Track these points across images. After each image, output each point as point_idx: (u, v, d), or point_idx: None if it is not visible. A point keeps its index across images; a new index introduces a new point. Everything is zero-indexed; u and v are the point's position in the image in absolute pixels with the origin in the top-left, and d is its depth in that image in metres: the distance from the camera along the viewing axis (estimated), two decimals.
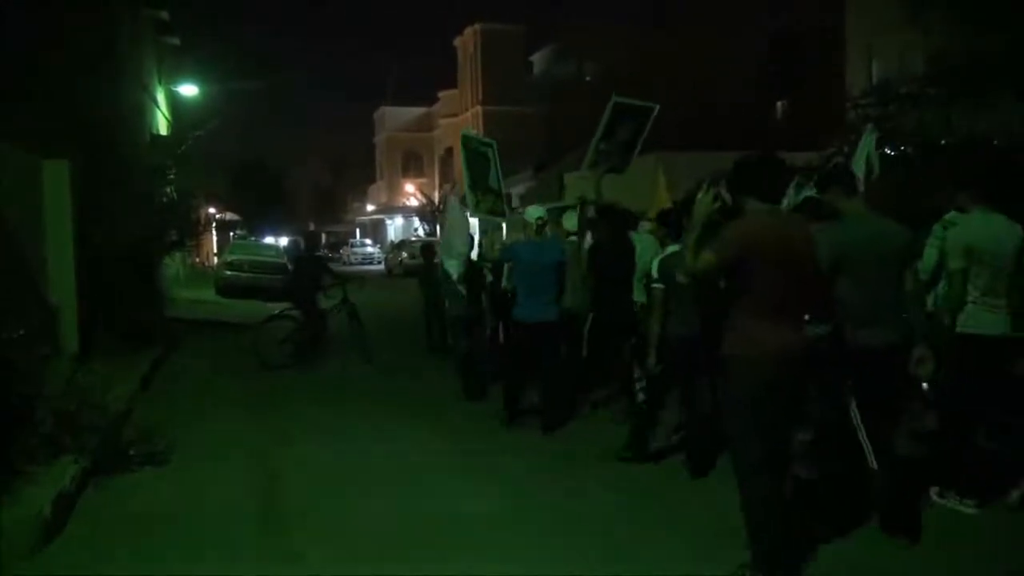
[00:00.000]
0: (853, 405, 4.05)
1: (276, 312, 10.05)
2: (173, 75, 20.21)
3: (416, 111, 50.79)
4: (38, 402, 5.09)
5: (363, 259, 41.46)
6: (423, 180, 47.99)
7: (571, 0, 65.98)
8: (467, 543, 4.16)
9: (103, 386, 6.18)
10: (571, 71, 38.52)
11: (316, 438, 6.30)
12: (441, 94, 46.83)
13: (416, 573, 3.85)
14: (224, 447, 5.95)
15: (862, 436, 4.01)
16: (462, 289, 7.55)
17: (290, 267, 10.21)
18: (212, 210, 25.70)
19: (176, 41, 19.62)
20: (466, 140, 8.02)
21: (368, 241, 51.08)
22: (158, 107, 18.34)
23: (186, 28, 19.56)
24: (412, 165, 51.42)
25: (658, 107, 7.45)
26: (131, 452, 5.35)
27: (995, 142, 8.61)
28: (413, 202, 45.40)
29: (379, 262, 39.37)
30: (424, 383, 8.60)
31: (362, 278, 11.31)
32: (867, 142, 5.96)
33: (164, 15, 17.56)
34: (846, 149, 11.36)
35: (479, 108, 40.57)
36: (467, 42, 41.54)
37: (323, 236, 49.30)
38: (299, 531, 4.35)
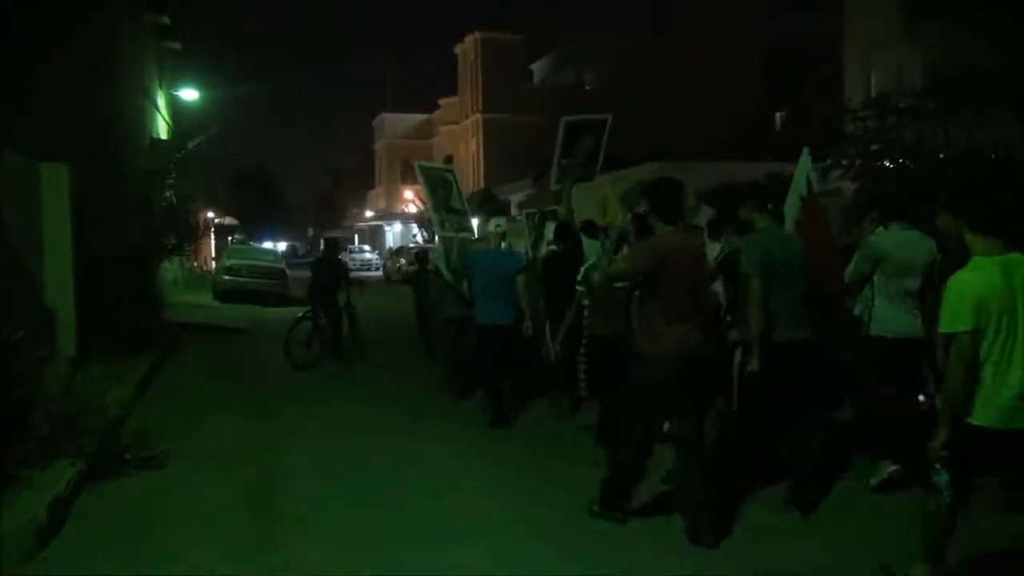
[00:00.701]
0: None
1: (299, 315, 10.31)
2: (174, 80, 20.26)
3: (416, 118, 50.86)
4: (35, 405, 5.10)
5: (361, 265, 41.40)
6: (420, 187, 47.98)
7: (572, 10, 66.32)
8: (462, 544, 4.16)
9: (100, 390, 6.19)
10: (571, 80, 38.64)
11: (312, 441, 6.30)
12: (441, 101, 46.92)
13: (411, 574, 3.86)
14: (221, 451, 5.95)
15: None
16: (464, 291, 7.66)
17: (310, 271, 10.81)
18: (211, 214, 25.70)
19: (177, 46, 19.67)
20: (423, 169, 8.66)
21: (367, 247, 51.06)
22: (159, 111, 18.37)
23: (187, 33, 19.62)
24: (411, 172, 51.16)
25: (611, 117, 7.91)
26: (128, 456, 5.34)
27: (993, 156, 8.65)
28: (412, 209, 45.43)
29: (377, 268, 39.35)
30: (420, 386, 8.60)
31: (362, 283, 11.45)
32: (804, 162, 6.44)
33: (165, 20, 17.61)
34: (844, 162, 11.41)
35: (479, 116, 40.65)
36: (467, 50, 41.66)
37: (339, 240, 49.26)
38: (295, 534, 4.35)
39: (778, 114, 34.89)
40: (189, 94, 20.25)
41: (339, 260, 11.41)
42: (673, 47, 35.64)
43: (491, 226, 7.22)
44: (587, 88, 38.40)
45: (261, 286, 19.52)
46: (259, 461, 5.76)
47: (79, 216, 8.28)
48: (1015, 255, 3.32)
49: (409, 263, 26.59)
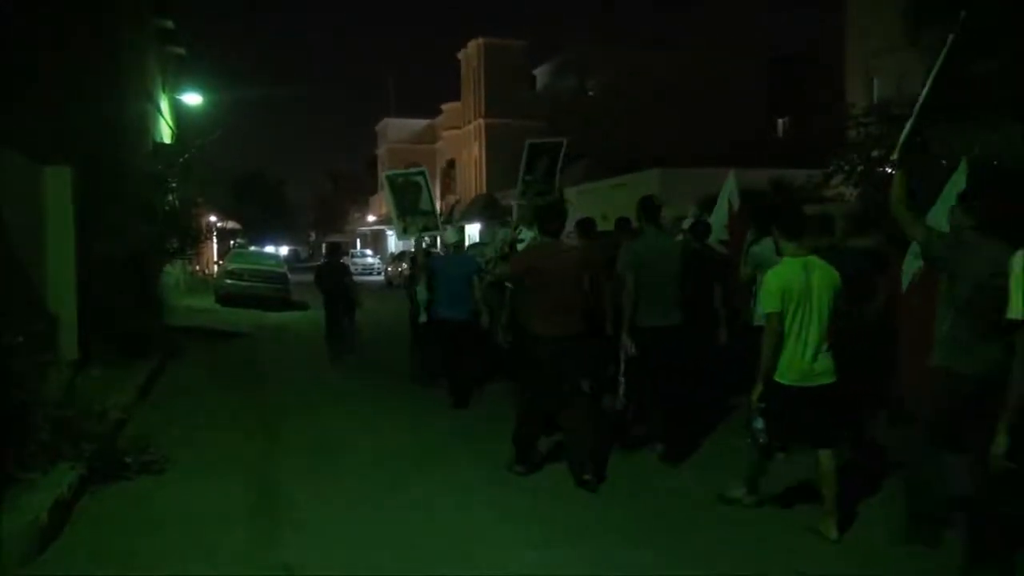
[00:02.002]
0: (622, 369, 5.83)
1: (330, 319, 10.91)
2: (177, 84, 20.31)
3: (419, 123, 50.94)
4: (36, 409, 5.09)
5: (363, 269, 41.35)
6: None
7: (574, 18, 66.46)
8: (461, 550, 4.16)
9: (101, 394, 6.19)
10: (573, 86, 38.71)
11: (312, 446, 6.30)
12: (444, 106, 46.99)
13: None
14: (221, 456, 5.94)
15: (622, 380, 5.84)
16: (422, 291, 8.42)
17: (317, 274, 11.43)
18: (213, 218, 25.74)
19: (181, 50, 19.72)
20: (390, 179, 9.39)
21: (368, 252, 51.06)
22: (162, 115, 18.41)
23: (191, 37, 19.67)
24: None
25: (566, 141, 8.92)
26: (128, 460, 5.34)
27: (995, 162, 8.64)
28: None
29: (379, 273, 39.34)
30: (418, 390, 8.58)
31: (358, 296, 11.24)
32: (728, 184, 7.54)
33: (169, 24, 17.66)
34: (846, 168, 11.40)
35: (481, 121, 40.71)
36: (470, 55, 41.73)
37: (342, 245, 49.33)
38: (295, 539, 4.34)
39: (780, 120, 34.90)
40: (192, 98, 20.29)
41: (342, 264, 11.82)
42: (675, 54, 35.72)
43: (450, 236, 8.85)
44: (590, 94, 38.47)
45: (263, 290, 19.53)
46: (259, 466, 5.76)
47: (82, 219, 8.28)
48: (813, 257, 4.46)
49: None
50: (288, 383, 9.45)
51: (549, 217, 5.59)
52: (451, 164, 46.84)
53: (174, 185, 12.26)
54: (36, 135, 8.15)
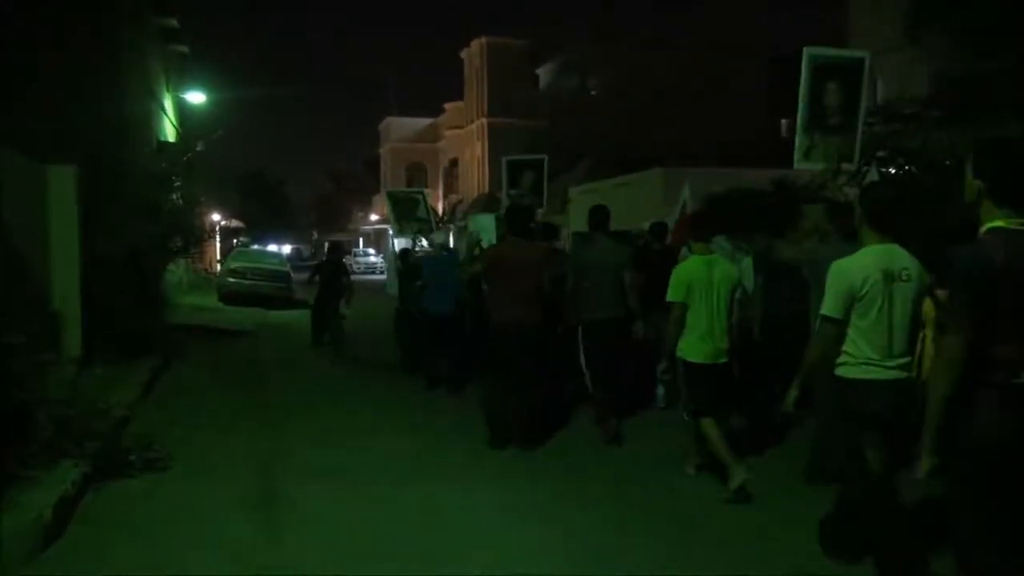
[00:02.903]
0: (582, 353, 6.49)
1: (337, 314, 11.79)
2: (180, 83, 20.33)
3: (421, 122, 50.97)
4: (39, 407, 5.11)
5: (366, 268, 41.37)
6: (427, 191, 48.10)
7: (575, 17, 66.39)
8: (463, 548, 4.17)
9: (104, 392, 6.21)
10: (576, 85, 38.69)
11: (315, 444, 6.32)
12: (447, 106, 47.00)
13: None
14: (224, 454, 5.97)
15: (584, 367, 6.50)
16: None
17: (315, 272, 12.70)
18: (216, 217, 25.77)
19: (184, 49, 19.74)
20: (391, 195, 11.72)
21: (371, 250, 51.09)
22: (165, 114, 18.43)
23: (194, 36, 19.71)
24: (416, 176, 51.58)
25: (547, 157, 9.83)
26: (132, 458, 5.36)
27: None
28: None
29: (382, 271, 39.35)
30: (420, 390, 8.61)
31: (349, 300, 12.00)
32: (684, 191, 8.43)
33: (172, 23, 17.69)
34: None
35: (484, 120, 40.72)
36: (473, 55, 41.75)
37: (342, 244, 49.34)
38: (298, 537, 4.36)
39: (783, 120, 34.87)
40: (196, 97, 20.32)
41: (342, 262, 12.69)
42: (676, 54, 35.68)
43: (436, 238, 10.04)
44: (592, 93, 38.45)
45: (266, 289, 19.56)
46: (262, 464, 5.77)
47: (85, 218, 8.30)
48: (715, 256, 5.33)
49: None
50: (291, 381, 9.47)
51: (516, 220, 6.50)
52: (454, 163, 46.87)
53: (178, 184, 12.27)
54: (39, 135, 8.18)
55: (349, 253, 49.29)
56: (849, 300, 3.58)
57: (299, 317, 15.79)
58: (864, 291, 3.56)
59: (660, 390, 5.51)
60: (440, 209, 41.43)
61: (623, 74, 35.39)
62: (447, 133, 46.68)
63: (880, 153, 10.85)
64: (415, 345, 9.34)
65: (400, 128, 51.27)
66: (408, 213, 11.10)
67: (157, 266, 11.84)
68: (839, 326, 3.62)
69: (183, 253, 13.50)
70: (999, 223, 2.75)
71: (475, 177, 41.98)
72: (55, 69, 9.28)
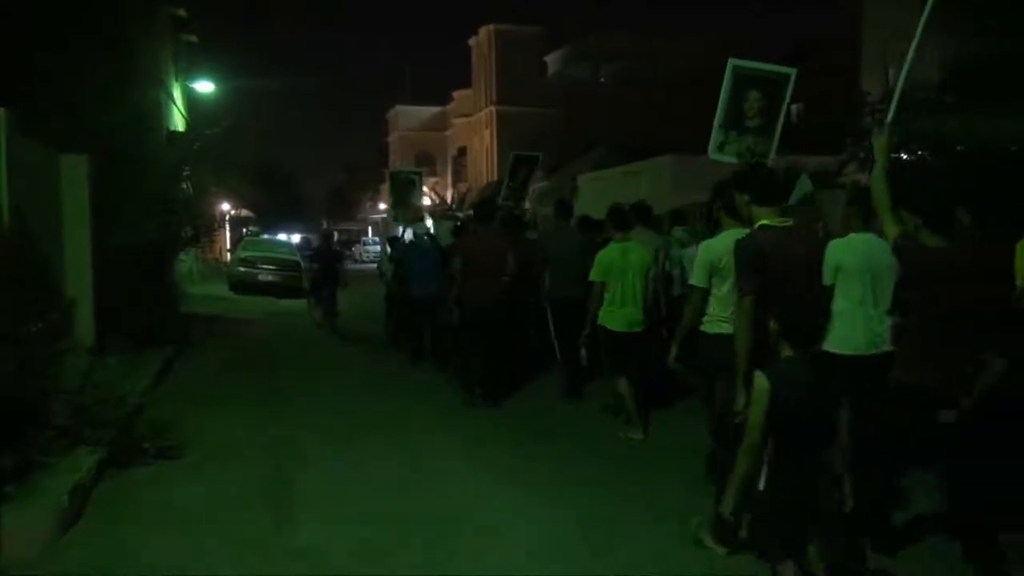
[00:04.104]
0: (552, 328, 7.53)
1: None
2: (190, 72, 20.35)
3: (430, 110, 50.86)
4: (55, 395, 5.16)
5: (375, 257, 41.38)
6: (436, 179, 48.07)
7: (586, 5, 65.88)
8: (478, 531, 4.21)
9: (118, 381, 6.24)
10: (586, 73, 38.50)
11: (327, 431, 6.35)
12: (455, 94, 46.87)
13: (430, 567, 3.90)
14: (237, 441, 6.01)
15: (553, 336, 7.54)
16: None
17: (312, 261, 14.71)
18: (227, 206, 25.81)
19: (193, 38, 19.75)
20: (395, 173, 12.34)
21: (378, 239, 51.09)
22: (175, 104, 18.46)
23: (203, 26, 19.72)
24: (425, 164, 51.49)
25: (541, 155, 10.84)
26: (146, 446, 5.40)
27: (1013, 148, 8.56)
28: (426, 201, 45.43)
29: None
30: (426, 376, 8.69)
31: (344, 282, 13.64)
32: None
33: (182, 12, 17.69)
34: (861, 154, 11.31)
35: (493, 108, 40.60)
36: (482, 42, 41.57)
37: (335, 234, 49.44)
38: (310, 524, 4.39)
39: (794, 106, 34.61)
40: (205, 87, 20.33)
41: (335, 249, 14.39)
42: (688, 42, 35.43)
43: (419, 228, 11.00)
44: (602, 81, 38.26)
45: (276, 278, 19.61)
46: (274, 451, 5.82)
47: (98, 208, 8.33)
48: (631, 243, 6.32)
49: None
50: (302, 370, 9.52)
51: (483, 213, 8.12)
52: (462, 152, 46.79)
53: (188, 173, 12.29)
54: (51, 124, 8.20)
55: (357, 242, 49.36)
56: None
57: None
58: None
59: (583, 351, 6.48)
60: (449, 198, 41.46)
61: (634, 62, 35.19)
62: (456, 121, 46.58)
63: (892, 139, 10.78)
64: (401, 324, 10.43)
65: (408, 117, 51.19)
66: (404, 197, 11.96)
67: (169, 256, 11.87)
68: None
69: (194, 243, 13.54)
70: (765, 222, 3.86)
71: (484, 165, 41.90)
72: (66, 59, 9.28)
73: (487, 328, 7.26)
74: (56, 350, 5.57)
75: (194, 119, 19.40)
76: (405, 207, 11.93)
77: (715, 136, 6.02)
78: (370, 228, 59.44)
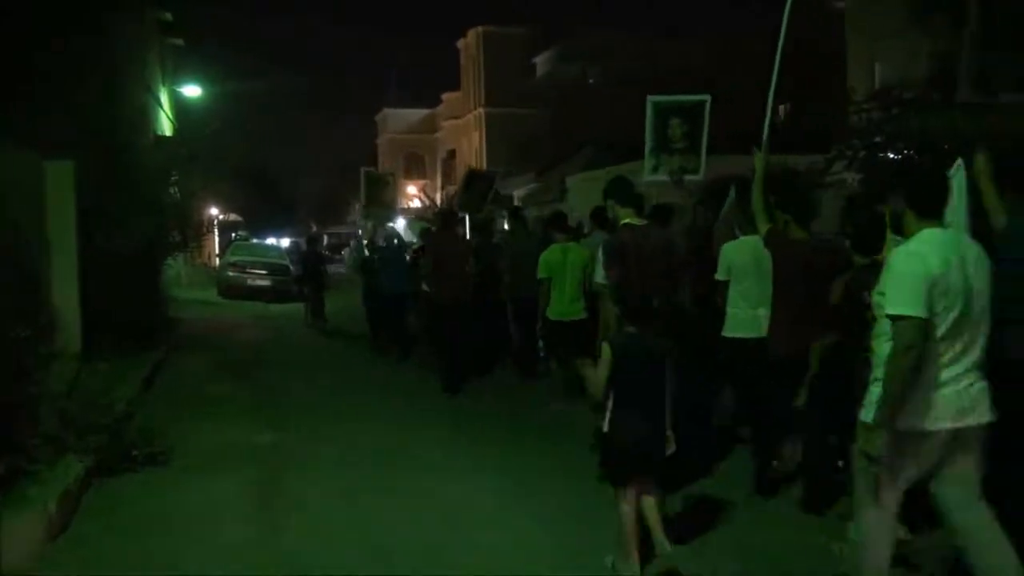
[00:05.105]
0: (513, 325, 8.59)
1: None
2: (177, 76, 20.25)
3: (419, 113, 50.82)
4: (42, 402, 5.10)
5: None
6: (425, 182, 48.03)
7: (572, 5, 66.05)
8: (465, 540, 4.19)
9: (106, 387, 6.20)
10: (574, 74, 38.53)
11: (315, 437, 6.33)
12: (444, 96, 46.87)
13: (420, 571, 3.88)
14: (225, 447, 5.98)
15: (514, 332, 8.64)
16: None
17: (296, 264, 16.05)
18: (215, 211, 25.71)
19: (180, 42, 19.66)
20: (368, 172, 13.08)
21: (365, 241, 50.87)
22: (162, 108, 18.36)
23: (190, 29, 19.63)
24: (414, 167, 51.49)
25: (500, 172, 12.42)
26: (134, 452, 5.36)
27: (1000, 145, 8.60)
28: (416, 204, 45.37)
29: None
30: (414, 376, 8.68)
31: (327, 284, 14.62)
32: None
33: (168, 16, 17.60)
34: (848, 153, 11.36)
35: (481, 110, 40.63)
36: (470, 44, 41.61)
37: (325, 238, 49.26)
38: (299, 531, 4.37)
39: (781, 106, 34.76)
40: (192, 90, 20.24)
41: (319, 252, 15.27)
42: (675, 41, 35.53)
43: (390, 230, 11.74)
44: (590, 81, 38.30)
45: (265, 282, 19.54)
46: (263, 457, 5.79)
47: (84, 213, 8.28)
48: (570, 244, 7.28)
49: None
50: (291, 375, 9.48)
51: (448, 219, 9.26)
52: (451, 154, 46.77)
53: (175, 178, 12.23)
54: (37, 129, 8.14)
55: (347, 246, 49.14)
56: None
57: (298, 310, 15.80)
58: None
59: (540, 343, 7.76)
60: (439, 200, 41.41)
61: (622, 62, 35.26)
62: (445, 123, 46.58)
63: (878, 138, 10.84)
64: (376, 316, 11.17)
65: (397, 119, 51.15)
66: (376, 196, 12.75)
67: (157, 260, 11.81)
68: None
69: (182, 247, 13.47)
70: (628, 220, 4.65)
71: (473, 167, 41.87)
72: (52, 64, 9.21)
73: (451, 321, 8.12)
74: (43, 356, 5.51)
75: (181, 123, 19.30)
76: (377, 205, 12.71)
77: (647, 160, 6.85)
78: (360, 231, 59.32)
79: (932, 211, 3.12)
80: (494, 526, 4.43)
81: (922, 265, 2.95)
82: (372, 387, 8.65)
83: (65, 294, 7.85)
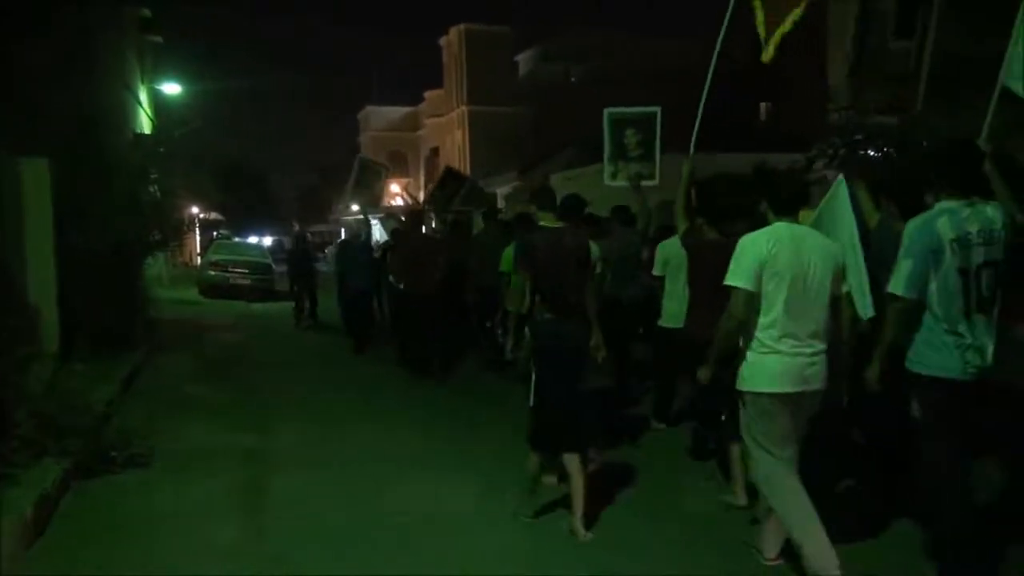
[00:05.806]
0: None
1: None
2: (156, 74, 20.04)
3: (401, 111, 50.58)
4: (19, 404, 5.03)
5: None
6: (408, 180, 47.83)
7: (556, 4, 66.06)
8: (451, 541, 4.17)
9: (85, 388, 6.13)
10: (557, 72, 38.55)
11: (297, 438, 6.31)
12: (427, 94, 46.70)
13: (403, 571, 3.86)
14: (206, 448, 5.92)
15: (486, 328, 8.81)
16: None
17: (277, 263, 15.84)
18: (196, 209, 25.48)
19: (159, 39, 19.45)
20: (364, 159, 13.18)
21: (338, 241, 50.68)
22: (140, 106, 18.17)
23: (169, 26, 19.44)
24: (397, 165, 51.23)
25: (474, 180, 12.17)
26: (113, 454, 5.29)
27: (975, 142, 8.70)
28: (399, 202, 45.21)
29: None
30: (396, 374, 8.76)
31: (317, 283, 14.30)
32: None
33: (146, 12, 17.41)
34: (829, 151, 11.45)
35: (464, 108, 40.54)
36: (452, 42, 41.48)
37: (308, 236, 49.04)
38: (283, 532, 4.34)
39: (763, 104, 34.95)
40: (171, 88, 20.04)
41: (306, 250, 14.95)
42: (657, 40, 35.62)
43: (360, 227, 12.36)
44: (573, 80, 38.33)
45: (247, 281, 19.41)
46: (244, 458, 5.74)
47: (61, 212, 8.17)
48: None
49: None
50: (273, 374, 9.42)
51: (414, 219, 9.84)
52: (435, 152, 46.61)
53: (155, 176, 12.10)
54: (12, 127, 8.02)
55: (330, 244, 48.91)
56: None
57: (281, 309, 15.73)
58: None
59: (500, 332, 7.78)
60: (421, 198, 41.26)
61: (606, 60, 35.32)
62: (427, 121, 46.41)
63: (858, 136, 10.93)
64: (347, 313, 11.58)
65: (379, 117, 50.87)
66: (366, 182, 12.74)
67: (136, 259, 11.68)
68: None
69: (162, 246, 13.34)
70: (544, 223, 4.83)
71: (456, 165, 41.76)
72: (27, 60, 9.08)
73: (422, 313, 8.68)
74: (19, 358, 5.44)
75: (161, 121, 19.11)
76: (365, 194, 12.73)
77: (607, 167, 7.34)
78: (343, 230, 59.05)
79: (784, 210, 3.74)
80: (476, 524, 4.42)
81: (755, 248, 3.60)
82: (356, 387, 8.61)
83: (42, 295, 7.74)
